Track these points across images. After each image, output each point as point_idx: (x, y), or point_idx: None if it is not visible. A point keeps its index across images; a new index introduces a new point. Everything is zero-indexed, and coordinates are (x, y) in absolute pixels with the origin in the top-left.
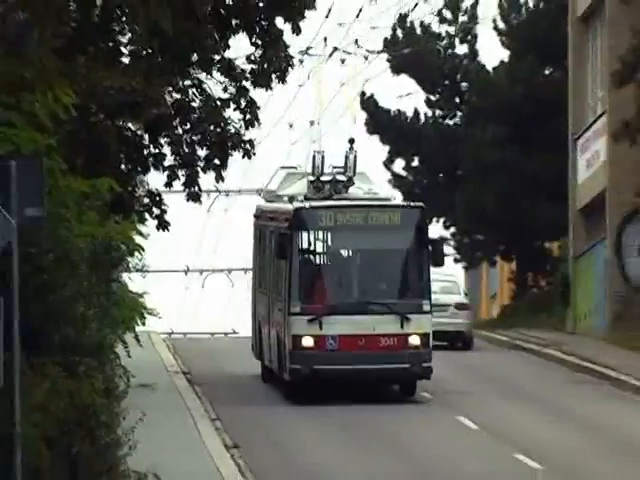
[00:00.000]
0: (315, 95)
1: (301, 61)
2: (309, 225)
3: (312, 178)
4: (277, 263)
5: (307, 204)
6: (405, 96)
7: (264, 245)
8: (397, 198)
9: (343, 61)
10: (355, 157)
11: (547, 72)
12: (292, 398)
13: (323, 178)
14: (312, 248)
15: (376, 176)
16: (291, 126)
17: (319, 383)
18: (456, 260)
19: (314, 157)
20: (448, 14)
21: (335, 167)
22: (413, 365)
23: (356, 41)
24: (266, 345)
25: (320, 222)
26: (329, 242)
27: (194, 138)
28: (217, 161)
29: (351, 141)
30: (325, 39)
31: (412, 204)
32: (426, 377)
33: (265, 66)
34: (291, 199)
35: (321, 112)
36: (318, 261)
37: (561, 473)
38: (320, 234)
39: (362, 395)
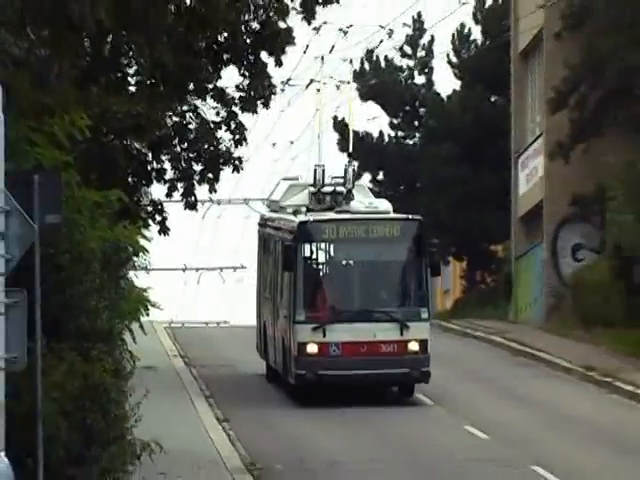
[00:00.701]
0: (316, 114)
1: (282, 90)
2: (313, 238)
3: (314, 190)
4: (282, 271)
5: (311, 218)
6: (372, 119)
7: (269, 252)
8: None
9: (318, 90)
10: (353, 170)
11: (493, 100)
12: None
13: (324, 190)
14: (316, 259)
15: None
16: (274, 145)
17: (323, 387)
18: None
19: (315, 170)
20: (408, 50)
21: (334, 177)
22: (412, 370)
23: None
24: (271, 347)
25: (323, 235)
26: (332, 253)
27: (191, 155)
28: (210, 175)
29: (350, 155)
30: (324, 60)
31: (411, 217)
32: (424, 381)
33: (251, 94)
34: (295, 212)
35: (321, 130)
36: (322, 272)
37: (505, 442)
38: (323, 246)
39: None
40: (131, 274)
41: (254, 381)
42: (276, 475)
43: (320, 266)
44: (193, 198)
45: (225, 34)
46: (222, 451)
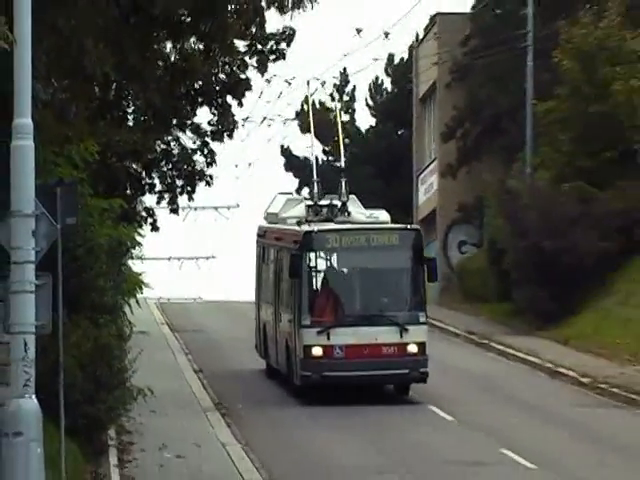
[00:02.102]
0: (311, 133)
1: (243, 125)
2: (317, 247)
3: (310, 203)
4: (284, 278)
5: (315, 228)
6: (309, 147)
7: (269, 260)
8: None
9: (269, 125)
10: (346, 183)
11: (400, 132)
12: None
13: (321, 203)
14: (320, 267)
15: None
16: (237, 166)
17: (327, 388)
18: None
19: (313, 185)
20: (337, 95)
21: (326, 193)
22: (411, 371)
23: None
24: (272, 349)
25: (327, 244)
26: (335, 261)
27: (174, 173)
28: (189, 188)
29: (342, 171)
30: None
31: (409, 227)
32: (423, 381)
33: (219, 128)
34: (299, 223)
35: (312, 150)
36: (325, 279)
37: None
38: (327, 254)
39: None
40: (129, 262)
41: (223, 343)
42: (237, 412)
43: (324, 273)
44: (176, 205)
45: (200, 83)
46: (197, 394)
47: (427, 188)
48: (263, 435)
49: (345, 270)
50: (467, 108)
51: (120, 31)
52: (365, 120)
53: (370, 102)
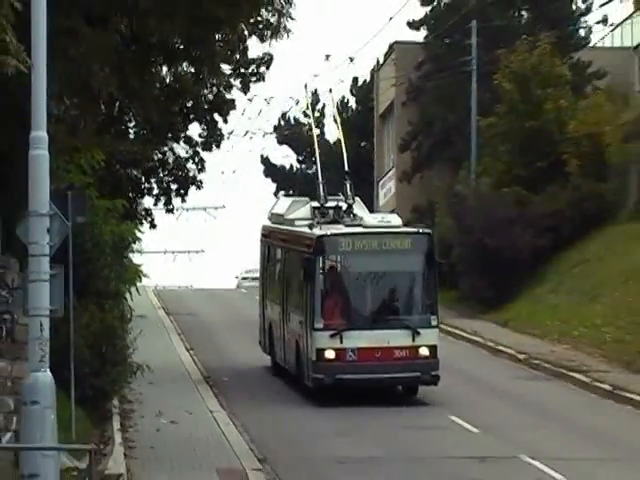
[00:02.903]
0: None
1: (228, 137)
2: (330, 250)
3: (316, 205)
4: (293, 279)
5: (328, 232)
6: (285, 157)
7: (275, 260)
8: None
9: (251, 137)
10: (351, 186)
11: (363, 144)
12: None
13: (328, 205)
14: (333, 270)
15: (270, 202)
16: (223, 172)
17: (339, 390)
18: None
19: (320, 187)
20: (309, 112)
21: (330, 195)
22: (423, 374)
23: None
24: (278, 347)
25: (340, 247)
26: (348, 265)
27: (169, 179)
28: (182, 191)
29: (347, 173)
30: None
31: (421, 230)
32: (434, 384)
33: (208, 140)
34: (310, 225)
35: (317, 156)
36: (338, 282)
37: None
38: (340, 258)
39: None
40: (130, 255)
41: (211, 325)
42: (223, 384)
43: (337, 277)
44: (171, 206)
45: (191, 101)
46: (189, 369)
47: (386, 192)
48: (246, 404)
49: (357, 273)
50: (420, 123)
51: (122, 57)
52: (333, 134)
53: (337, 118)
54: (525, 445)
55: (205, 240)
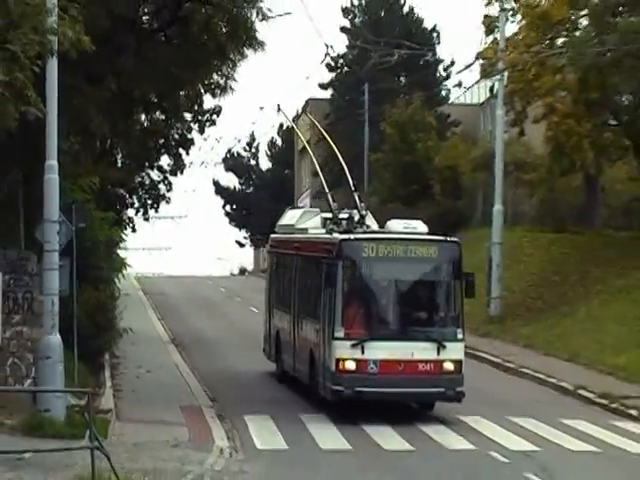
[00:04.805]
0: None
1: (189, 167)
2: (353, 255)
3: (328, 215)
4: (307, 286)
5: (352, 236)
6: (230, 181)
7: (285, 269)
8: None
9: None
10: (360, 198)
11: (286, 172)
12: (209, 315)
13: (340, 215)
14: (355, 277)
15: (219, 213)
16: (185, 191)
17: (359, 404)
18: (251, 245)
19: (330, 197)
20: (248, 148)
21: (337, 207)
22: (447, 389)
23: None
24: (287, 355)
25: (363, 252)
26: (371, 272)
27: (146, 196)
28: (155, 205)
29: (355, 185)
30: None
31: (449, 239)
32: (458, 400)
33: (174, 168)
34: (331, 231)
35: (318, 170)
36: (360, 289)
37: None
38: (363, 264)
39: None
40: (118, 251)
41: (178, 302)
42: (185, 344)
43: (359, 284)
44: (147, 215)
45: (162, 140)
46: (159, 332)
47: (304, 207)
48: (204, 359)
49: (380, 281)
50: (328, 157)
51: (112, 107)
52: (266, 164)
53: (268, 152)
54: None
55: (172, 240)
